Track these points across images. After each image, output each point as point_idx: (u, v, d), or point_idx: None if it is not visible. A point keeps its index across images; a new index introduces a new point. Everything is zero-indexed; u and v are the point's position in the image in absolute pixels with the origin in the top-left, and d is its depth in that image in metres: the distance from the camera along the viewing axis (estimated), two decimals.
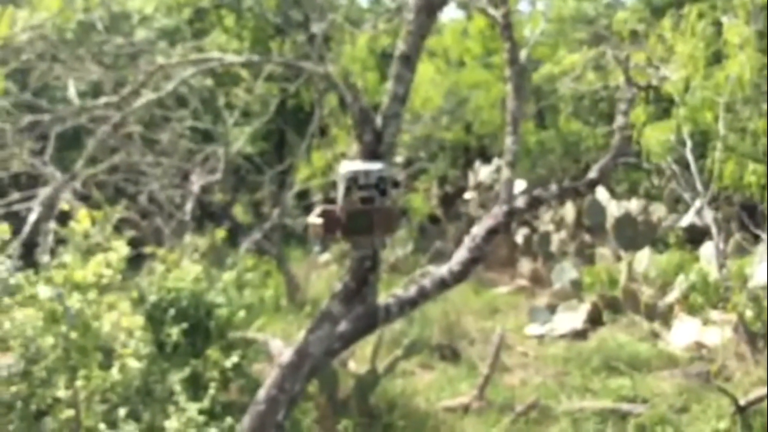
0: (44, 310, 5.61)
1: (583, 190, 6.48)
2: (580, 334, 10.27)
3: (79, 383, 5.68)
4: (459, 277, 5.32)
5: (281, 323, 10.05)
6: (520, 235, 13.83)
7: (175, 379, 6.48)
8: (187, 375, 6.70)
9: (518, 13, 14.83)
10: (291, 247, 14.08)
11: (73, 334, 5.57)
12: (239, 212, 14.08)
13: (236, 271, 8.44)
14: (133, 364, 6.09)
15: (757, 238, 9.73)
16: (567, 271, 11.73)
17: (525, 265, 13.48)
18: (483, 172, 15.36)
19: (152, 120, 11.01)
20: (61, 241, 6.44)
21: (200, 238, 9.88)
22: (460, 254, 5.35)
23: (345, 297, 4.83)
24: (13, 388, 5.61)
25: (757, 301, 8.24)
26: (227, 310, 7.46)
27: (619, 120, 6.58)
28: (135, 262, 7.49)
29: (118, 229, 7.03)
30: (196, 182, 11.79)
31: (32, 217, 5.15)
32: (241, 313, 7.56)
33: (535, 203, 5.88)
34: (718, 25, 8.51)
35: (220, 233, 10.05)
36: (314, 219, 4.52)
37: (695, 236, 11.17)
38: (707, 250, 10.20)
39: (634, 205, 12.66)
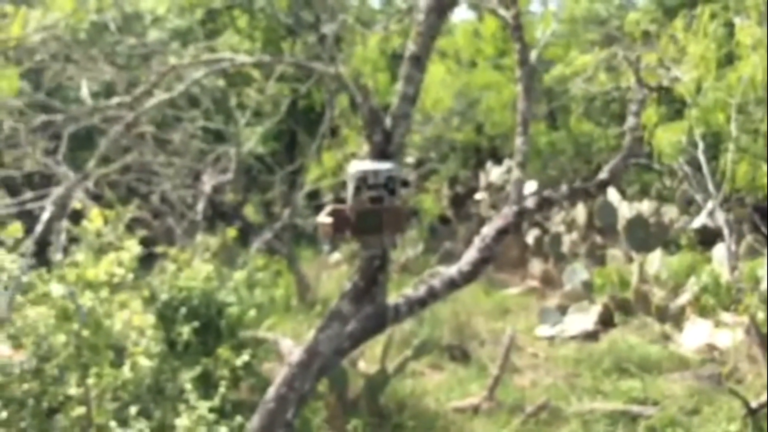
0: (56, 308, 5.67)
1: (593, 191, 6.44)
2: (590, 336, 10.23)
3: (90, 381, 5.72)
4: (469, 277, 5.32)
5: (291, 323, 10.08)
6: (531, 236, 13.80)
7: (186, 377, 6.52)
8: (198, 373, 6.74)
9: (530, 14, 14.85)
10: (301, 247, 14.12)
11: (85, 332, 5.63)
12: (250, 212, 14.12)
13: (247, 271, 8.49)
14: (144, 362, 6.13)
15: None
16: (578, 273, 11.69)
17: (536, 266, 13.45)
18: (494, 173, 15.34)
19: (164, 120, 11.06)
20: (73, 239, 6.48)
21: (211, 238, 9.92)
22: (470, 254, 5.35)
23: (354, 296, 4.84)
24: (25, 386, 5.67)
25: None
26: (238, 309, 7.51)
27: (630, 121, 6.54)
28: (147, 261, 7.55)
29: (130, 228, 7.08)
30: (208, 182, 11.84)
31: (45, 216, 5.18)
32: (252, 313, 7.61)
33: (545, 204, 5.87)
34: (730, 25, 8.47)
35: (231, 233, 10.10)
36: (323, 218, 4.53)
37: (707, 238, 11.11)
38: (719, 251, 10.15)
39: (645, 206, 12.61)
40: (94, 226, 6.40)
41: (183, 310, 7.21)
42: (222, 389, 6.14)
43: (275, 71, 11.50)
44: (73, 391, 5.73)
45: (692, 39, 8.26)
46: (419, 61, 4.93)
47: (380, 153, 4.75)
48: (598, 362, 9.02)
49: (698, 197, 9.42)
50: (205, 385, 6.61)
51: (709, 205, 9.74)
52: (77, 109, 6.54)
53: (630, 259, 11.77)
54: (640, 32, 9.31)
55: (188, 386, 5.89)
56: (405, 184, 4.90)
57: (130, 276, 6.24)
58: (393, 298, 5.16)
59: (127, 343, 6.23)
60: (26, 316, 5.72)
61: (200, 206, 11.46)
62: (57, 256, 6.03)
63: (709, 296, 9.14)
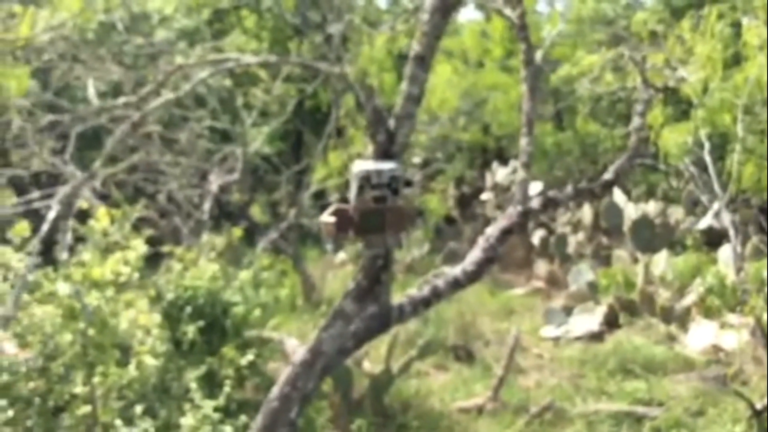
0: (63, 307, 5.70)
1: (598, 191, 6.43)
2: (596, 337, 10.21)
3: (96, 380, 5.76)
4: (473, 277, 5.31)
5: (297, 322, 10.09)
6: (536, 237, 13.79)
7: (191, 376, 6.54)
8: (203, 373, 6.76)
9: (537, 14, 14.84)
10: (307, 247, 14.14)
11: (91, 331, 5.66)
12: (256, 212, 14.15)
13: (253, 270, 8.51)
14: (150, 361, 6.17)
15: None
16: (583, 273, 11.68)
17: (541, 267, 13.43)
18: (500, 173, 15.33)
19: (171, 120, 11.10)
20: (80, 239, 6.51)
21: (217, 237, 9.95)
22: (474, 254, 5.34)
23: (358, 295, 4.85)
24: (31, 384, 5.70)
25: None
26: (243, 309, 7.53)
27: (636, 121, 6.53)
28: (153, 260, 7.58)
29: (136, 227, 7.10)
30: (214, 182, 11.87)
31: (51, 215, 5.21)
32: (257, 312, 7.63)
33: (550, 204, 5.86)
34: (737, 26, 8.46)
35: (237, 232, 10.13)
36: (327, 218, 4.54)
37: (713, 239, 11.09)
38: (725, 252, 10.13)
39: (651, 207, 12.59)
40: (101, 226, 6.43)
41: (189, 309, 7.24)
42: (227, 388, 6.14)
43: (282, 71, 11.53)
44: (78, 389, 5.76)
45: (699, 39, 8.25)
46: (423, 61, 4.93)
47: (384, 153, 4.75)
48: (603, 363, 9.01)
49: (704, 198, 9.42)
50: (210, 384, 6.62)
51: (715, 206, 9.74)
52: (85, 108, 6.56)
53: (635, 260, 11.76)
54: (647, 32, 9.30)
55: (193, 385, 5.90)
56: (408, 183, 4.89)
57: (136, 275, 6.27)
58: (399, 298, 5.16)
59: (133, 342, 6.26)
60: (32, 315, 5.75)
61: (207, 206, 11.49)
62: (63, 255, 6.06)
63: (715, 297, 9.13)
